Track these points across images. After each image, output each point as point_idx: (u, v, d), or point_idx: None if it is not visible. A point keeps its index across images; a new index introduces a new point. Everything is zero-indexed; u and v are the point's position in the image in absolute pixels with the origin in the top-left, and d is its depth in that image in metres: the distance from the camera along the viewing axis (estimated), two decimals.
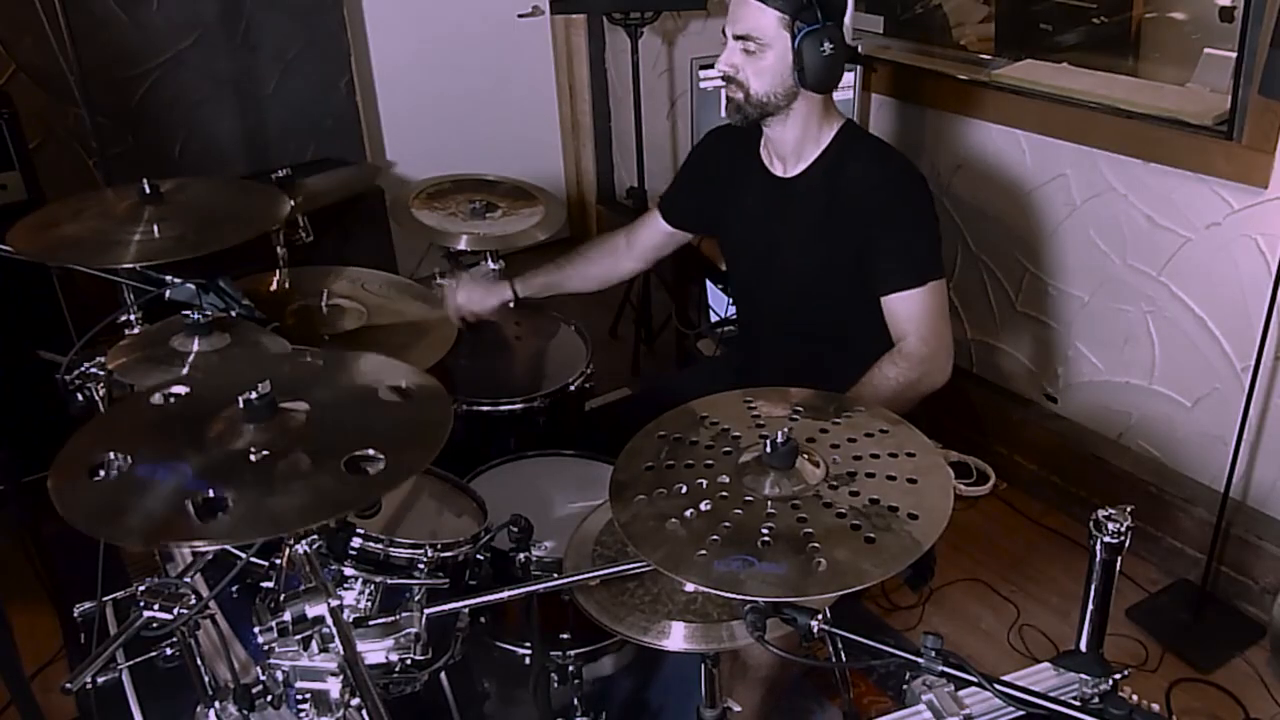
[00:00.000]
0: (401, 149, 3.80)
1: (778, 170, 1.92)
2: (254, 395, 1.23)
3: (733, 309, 2.76)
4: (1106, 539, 1.12)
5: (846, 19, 1.76)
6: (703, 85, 2.85)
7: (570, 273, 2.23)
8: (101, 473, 1.20)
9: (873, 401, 1.63)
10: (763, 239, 1.97)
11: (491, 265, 2.30)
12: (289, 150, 3.47)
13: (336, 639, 1.17)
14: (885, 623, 2.45)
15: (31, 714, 1.75)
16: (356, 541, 1.48)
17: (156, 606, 1.23)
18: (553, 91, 4.11)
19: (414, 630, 1.33)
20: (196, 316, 1.68)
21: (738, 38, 1.77)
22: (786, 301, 1.99)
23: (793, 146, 1.87)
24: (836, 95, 2.78)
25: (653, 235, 2.19)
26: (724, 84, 1.83)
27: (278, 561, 1.37)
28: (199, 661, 1.37)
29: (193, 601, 1.25)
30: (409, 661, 1.37)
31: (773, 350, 2.06)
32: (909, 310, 1.81)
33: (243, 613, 1.61)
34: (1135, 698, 1.09)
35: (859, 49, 1.81)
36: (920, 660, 1.03)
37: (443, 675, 1.65)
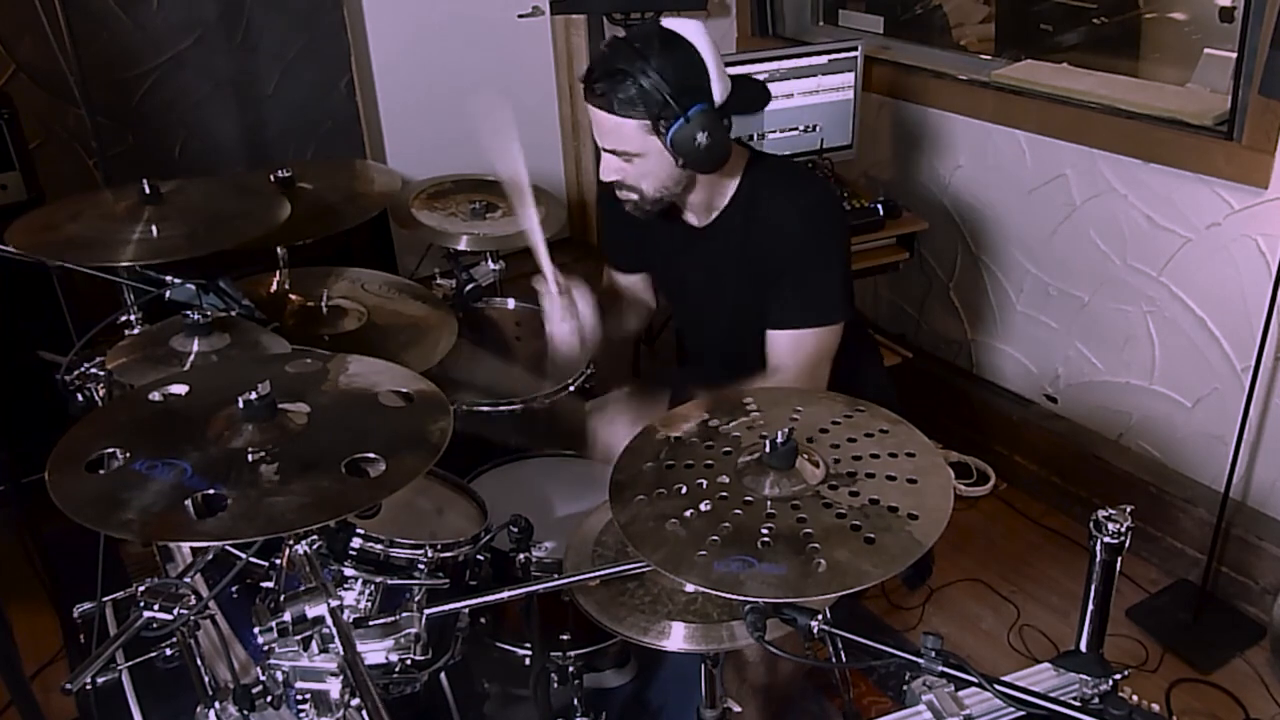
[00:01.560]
0: (401, 149, 3.80)
1: (692, 220, 1.85)
2: (254, 396, 1.23)
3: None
4: (1106, 539, 1.11)
5: (716, 91, 1.63)
6: None
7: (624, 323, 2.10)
8: (100, 467, 1.20)
9: None
10: (687, 284, 1.93)
11: (492, 265, 2.30)
12: (289, 150, 3.47)
13: (336, 639, 1.17)
14: (885, 623, 2.45)
15: (31, 714, 1.75)
16: (356, 542, 1.48)
17: (156, 607, 1.23)
18: (553, 91, 4.10)
19: (414, 630, 1.33)
20: (196, 316, 1.68)
21: (608, 150, 1.69)
22: (722, 336, 1.94)
23: (702, 204, 1.80)
24: (835, 96, 2.82)
25: (627, 283, 2.09)
26: (617, 189, 1.75)
27: (278, 562, 1.37)
28: (199, 661, 1.37)
29: (193, 602, 1.25)
30: (409, 662, 1.37)
31: (716, 376, 2.01)
32: (791, 348, 1.74)
33: (243, 613, 1.61)
34: (1135, 698, 1.09)
35: (745, 81, 1.67)
36: (920, 660, 1.03)
37: (443, 675, 1.65)
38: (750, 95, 1.73)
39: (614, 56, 1.63)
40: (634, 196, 1.73)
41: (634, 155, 1.66)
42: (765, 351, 1.82)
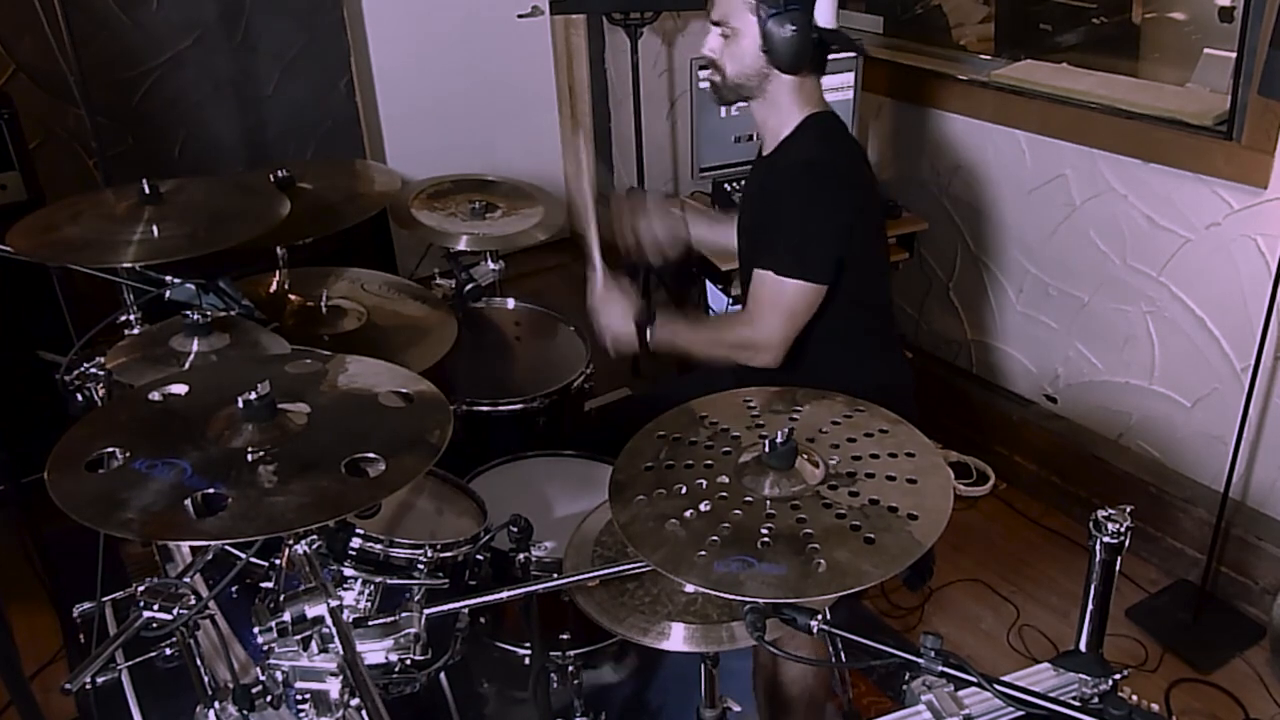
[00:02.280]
0: (401, 149, 3.80)
1: (765, 151, 1.95)
2: (254, 396, 1.23)
3: (735, 306, 2.76)
4: (1106, 539, 1.11)
5: (825, 6, 1.78)
6: (702, 85, 2.83)
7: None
8: (100, 466, 1.20)
9: (705, 335, 1.88)
10: (744, 214, 2.02)
11: (492, 265, 2.30)
12: (289, 150, 3.47)
13: (336, 639, 1.17)
14: (885, 623, 2.45)
15: (31, 714, 1.75)
16: (356, 542, 1.48)
17: (156, 607, 1.23)
18: (553, 91, 4.11)
19: (413, 630, 1.33)
20: (196, 316, 1.68)
21: (714, 23, 1.84)
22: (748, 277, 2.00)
23: (770, 129, 1.90)
24: (835, 95, 2.81)
25: None
26: (708, 68, 1.91)
27: (277, 562, 1.37)
28: (199, 661, 1.37)
29: (192, 601, 1.24)
30: (409, 661, 1.37)
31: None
32: (758, 291, 1.82)
33: (243, 613, 1.61)
34: (1135, 698, 1.09)
35: (837, 31, 1.82)
36: (920, 660, 1.03)
37: (442, 675, 1.65)
38: (840, 41, 1.87)
39: None
40: (717, 78, 1.88)
41: (734, 30, 1.80)
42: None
